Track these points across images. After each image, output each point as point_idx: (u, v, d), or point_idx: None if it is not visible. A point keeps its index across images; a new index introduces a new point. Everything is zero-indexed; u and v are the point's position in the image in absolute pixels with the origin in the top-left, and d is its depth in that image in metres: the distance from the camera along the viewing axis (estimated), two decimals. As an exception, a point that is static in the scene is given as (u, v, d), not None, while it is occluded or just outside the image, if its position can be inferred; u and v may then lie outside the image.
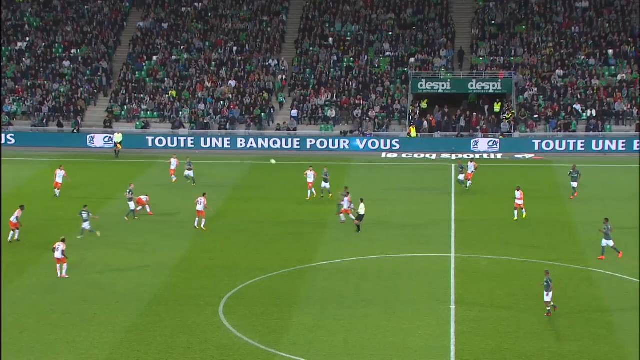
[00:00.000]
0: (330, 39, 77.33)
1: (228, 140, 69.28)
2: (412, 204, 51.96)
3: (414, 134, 69.66)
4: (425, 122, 70.79)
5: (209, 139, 69.26)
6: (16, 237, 43.58)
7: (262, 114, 71.89)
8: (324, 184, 51.79)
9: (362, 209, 44.76)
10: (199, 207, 45.50)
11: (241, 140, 69.25)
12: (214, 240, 44.46)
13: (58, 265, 38.61)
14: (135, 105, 72.85)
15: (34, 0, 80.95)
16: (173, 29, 79.16)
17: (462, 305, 35.27)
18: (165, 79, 74.83)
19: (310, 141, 68.86)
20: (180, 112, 72.20)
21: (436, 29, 77.92)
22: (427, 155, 66.87)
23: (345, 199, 46.55)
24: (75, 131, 70.38)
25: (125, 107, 72.79)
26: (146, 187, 52.37)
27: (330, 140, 68.98)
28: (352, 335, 32.65)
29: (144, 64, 75.86)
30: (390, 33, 77.70)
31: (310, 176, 51.91)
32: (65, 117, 71.84)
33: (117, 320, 33.87)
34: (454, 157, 65.69)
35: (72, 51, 76.86)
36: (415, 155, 67.07)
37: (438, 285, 37.72)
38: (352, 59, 75.86)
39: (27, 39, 77.55)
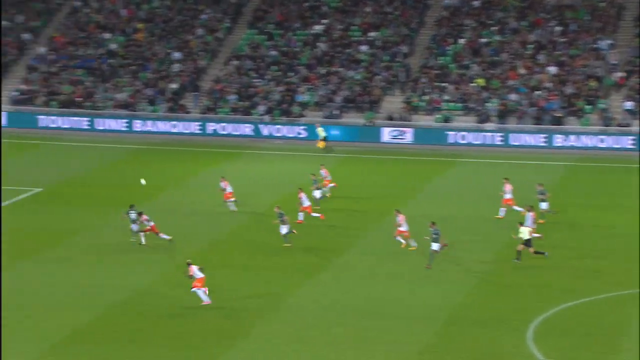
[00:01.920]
0: (684, 14, 72.35)
1: (544, 138, 66.50)
2: None
3: None
4: None
5: (520, 136, 67.18)
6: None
7: (587, 107, 68.49)
8: (542, 205, 47.21)
9: (524, 233, 40.92)
10: (402, 228, 43.35)
11: (558, 138, 66.32)
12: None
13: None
14: (437, 96, 71.83)
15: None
16: (485, 7, 77.47)
17: None
18: (472, 65, 73.24)
19: (648, 141, 65.09)
20: (488, 104, 70.35)
21: None
22: None
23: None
24: (369, 124, 70.44)
25: (426, 97, 71.94)
26: (438, 193, 51.04)
27: (676, 140, 64.82)
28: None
29: (448, 48, 74.71)
30: None
31: (508, 191, 48.11)
32: (358, 109, 72.13)
33: (408, 340, 33.30)
34: None
35: (370, 34, 77.08)
36: None
37: None
38: None
39: (324, 21, 78.61)
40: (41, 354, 32.50)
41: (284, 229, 43.84)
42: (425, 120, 70.77)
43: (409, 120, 70.63)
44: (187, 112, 71.69)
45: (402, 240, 43.22)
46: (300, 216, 47.04)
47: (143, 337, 34.37)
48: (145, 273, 40.80)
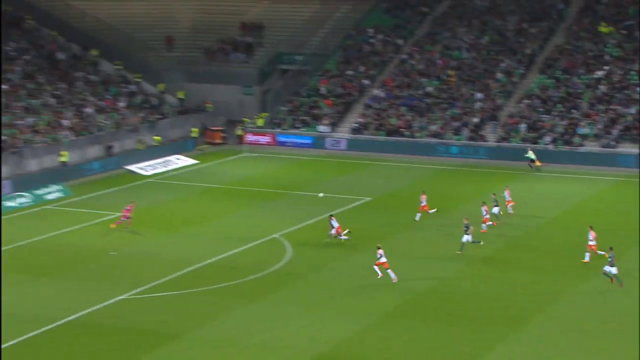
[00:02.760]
0: None
1: None
2: None
3: None
4: None
5: None
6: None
7: None
8: None
9: None
10: (592, 243, 40.40)
11: None
12: None
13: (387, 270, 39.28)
14: None
15: (618, 32, 78.43)
16: None
17: None
18: None
19: None
20: None
21: None
22: None
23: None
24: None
25: None
26: None
27: None
28: None
29: None
30: None
31: None
32: (633, 140, 68.52)
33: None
34: None
35: (650, 78, 73.30)
36: None
37: None
38: None
39: (606, 67, 75.50)
40: (367, 327, 34.05)
41: (465, 238, 43.20)
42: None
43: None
44: (485, 141, 71.38)
45: (587, 255, 41.23)
46: (483, 227, 46.55)
47: (445, 317, 35.13)
48: (446, 267, 41.67)
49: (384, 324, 34.38)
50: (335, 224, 45.50)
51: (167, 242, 46.38)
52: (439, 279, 39.86)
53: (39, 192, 56.17)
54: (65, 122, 67.54)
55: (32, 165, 62.45)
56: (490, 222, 47.42)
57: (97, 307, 36.24)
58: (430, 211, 49.45)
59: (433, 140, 71.84)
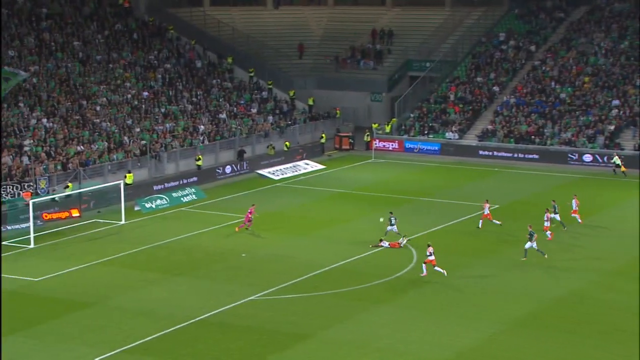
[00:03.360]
0: None
1: None
2: None
3: None
4: None
5: None
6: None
7: None
8: None
9: None
10: None
11: None
12: None
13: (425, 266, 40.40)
14: None
15: None
16: None
17: None
18: None
19: None
20: None
21: None
22: None
23: None
24: None
25: None
26: None
27: None
28: None
29: None
30: None
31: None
32: None
33: None
34: None
35: None
36: None
37: None
38: None
39: None
40: (493, 335, 33.78)
41: (528, 245, 42.51)
42: None
43: None
44: (621, 149, 68.67)
45: None
46: (548, 235, 45.88)
47: (576, 328, 34.30)
48: (575, 277, 40.72)
49: (511, 332, 33.80)
50: (393, 233, 46.53)
51: (295, 245, 46.96)
52: (568, 289, 38.89)
53: (175, 194, 58.04)
54: (201, 128, 69.56)
55: (170, 168, 64.63)
56: (549, 232, 46.51)
57: (228, 307, 37.05)
58: (494, 221, 49.15)
59: (565, 147, 69.81)
